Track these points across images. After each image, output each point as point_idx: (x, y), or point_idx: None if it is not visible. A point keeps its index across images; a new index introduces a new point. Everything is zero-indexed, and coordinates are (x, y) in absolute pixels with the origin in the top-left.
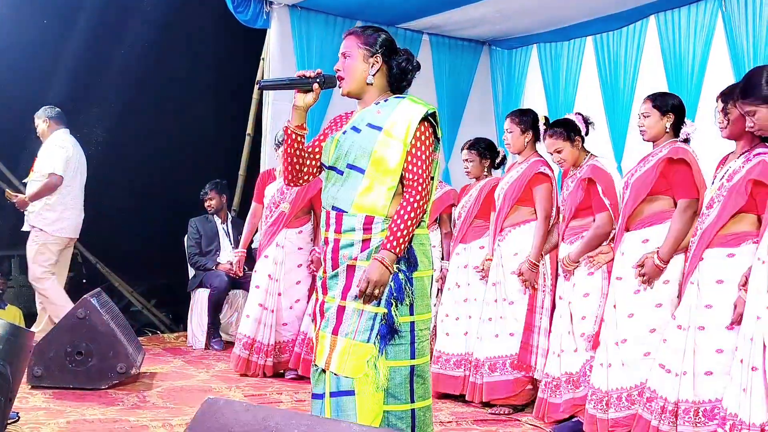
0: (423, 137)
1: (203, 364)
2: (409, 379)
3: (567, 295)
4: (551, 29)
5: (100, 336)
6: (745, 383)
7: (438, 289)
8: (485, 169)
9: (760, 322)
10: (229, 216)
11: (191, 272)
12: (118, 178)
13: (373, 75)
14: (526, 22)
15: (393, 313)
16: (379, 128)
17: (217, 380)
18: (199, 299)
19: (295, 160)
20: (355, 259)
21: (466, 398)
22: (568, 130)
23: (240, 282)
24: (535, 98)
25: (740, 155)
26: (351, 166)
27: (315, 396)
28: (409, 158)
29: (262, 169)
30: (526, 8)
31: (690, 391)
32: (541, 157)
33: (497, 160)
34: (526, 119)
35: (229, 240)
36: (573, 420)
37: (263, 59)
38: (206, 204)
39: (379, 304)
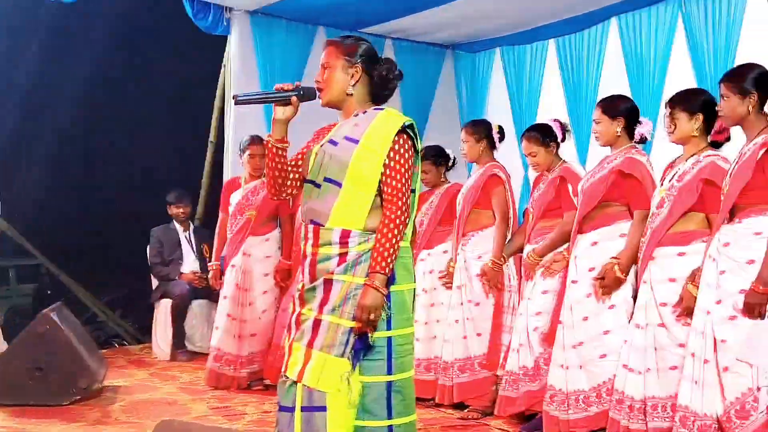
0: (402, 150)
1: (168, 375)
2: (386, 395)
3: (528, 292)
4: (514, 32)
5: (60, 351)
6: (697, 376)
7: None
8: (441, 176)
9: (711, 316)
10: (191, 225)
11: (154, 282)
12: (77, 189)
13: (353, 85)
14: (489, 25)
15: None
16: (356, 141)
17: (182, 392)
18: (163, 310)
19: (277, 173)
20: (332, 273)
21: (436, 401)
22: (544, 135)
23: (203, 291)
24: (499, 101)
25: (689, 158)
26: (328, 180)
27: (283, 408)
28: (388, 171)
29: (225, 177)
30: (488, 12)
31: (656, 387)
32: (497, 162)
33: (449, 164)
34: (480, 129)
35: (192, 249)
36: (537, 417)
37: (224, 66)
38: (178, 212)
39: (354, 318)
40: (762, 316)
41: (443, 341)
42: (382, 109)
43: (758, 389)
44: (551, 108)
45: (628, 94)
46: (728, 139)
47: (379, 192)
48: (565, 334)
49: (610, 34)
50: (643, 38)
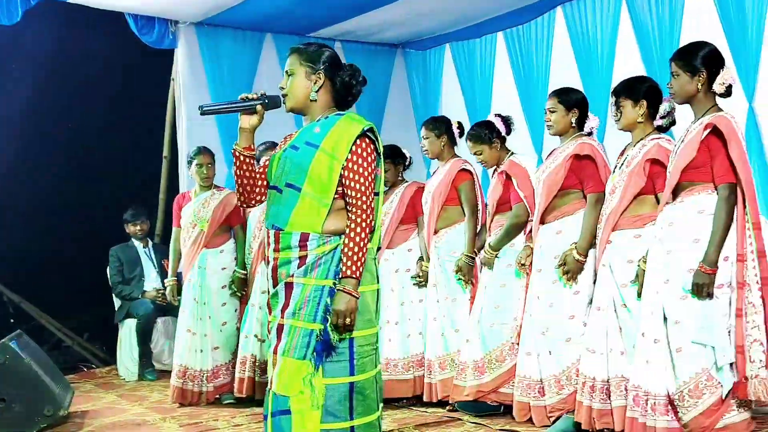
0: (364, 153)
1: (136, 396)
2: (348, 396)
3: (484, 283)
4: (462, 27)
5: (22, 380)
6: (649, 355)
7: None
8: (399, 174)
9: (660, 296)
10: (150, 242)
11: (117, 303)
12: (32, 214)
13: (316, 92)
14: (436, 21)
15: (329, 329)
16: (316, 146)
17: (152, 412)
18: (127, 330)
19: (245, 181)
20: (293, 276)
21: (424, 399)
22: (485, 132)
23: (168, 308)
24: (452, 98)
25: (636, 143)
26: (289, 185)
27: (264, 417)
28: (351, 175)
29: (181, 191)
30: (435, 8)
31: (619, 367)
32: (460, 157)
33: (407, 163)
34: (439, 125)
35: (153, 266)
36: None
37: (173, 79)
38: (135, 229)
39: (315, 320)
40: (710, 296)
41: (422, 339)
42: (342, 114)
43: (717, 368)
44: (504, 101)
45: (578, 81)
46: (673, 123)
47: (341, 196)
48: (534, 321)
49: (556, 23)
50: (589, 25)
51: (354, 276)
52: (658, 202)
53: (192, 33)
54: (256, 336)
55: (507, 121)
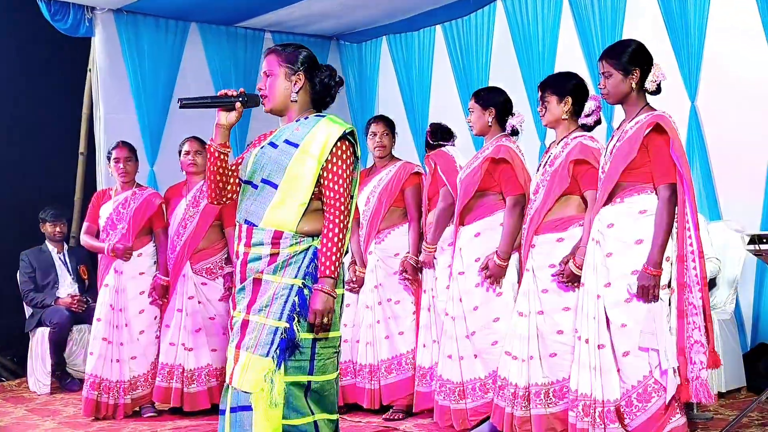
0: (344, 156)
1: (49, 410)
2: (305, 394)
3: (428, 285)
4: (400, 19)
5: None
6: (594, 362)
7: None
8: None
9: (602, 300)
10: (66, 245)
11: (28, 311)
12: None
13: (297, 92)
14: (372, 13)
15: (294, 327)
16: (296, 145)
17: (65, 427)
18: (39, 339)
19: (218, 178)
20: (262, 272)
21: (365, 407)
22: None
23: (83, 316)
24: (389, 92)
25: (559, 141)
26: (265, 181)
27: (221, 412)
28: (331, 176)
29: (98, 190)
30: None
31: (539, 374)
32: (401, 159)
33: None
34: (393, 125)
35: (68, 271)
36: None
37: (90, 70)
38: (55, 230)
39: (281, 319)
40: (656, 298)
41: (365, 344)
42: (323, 116)
43: (662, 372)
44: (444, 96)
45: (519, 76)
46: (598, 122)
47: (317, 197)
48: (456, 325)
49: (497, 16)
50: (530, 19)
51: (332, 276)
52: (583, 202)
53: (110, 20)
54: (183, 345)
55: (439, 131)
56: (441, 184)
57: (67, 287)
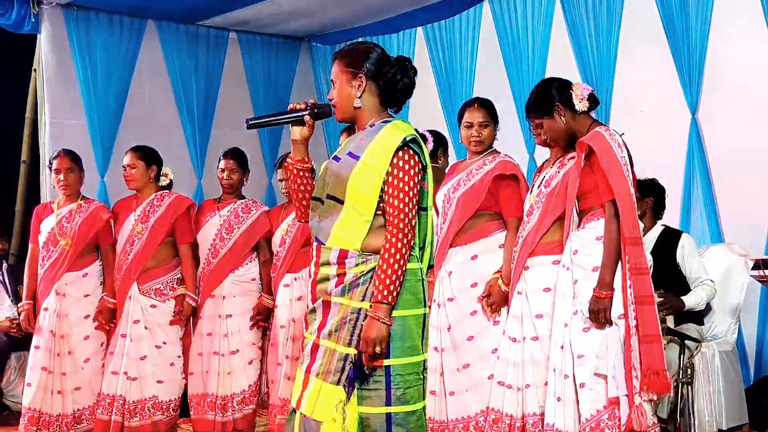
0: (406, 166)
1: None
2: (386, 427)
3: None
4: (377, 20)
5: None
6: (559, 392)
7: (265, 327)
8: None
9: (568, 329)
10: (5, 264)
11: None
12: None
13: (359, 97)
14: (347, 13)
15: (363, 356)
16: (357, 157)
17: None
18: None
19: (300, 195)
20: (330, 294)
21: None
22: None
23: (24, 342)
24: None
25: (554, 162)
26: (330, 197)
27: None
28: (390, 190)
29: (42, 202)
30: None
31: (536, 404)
32: None
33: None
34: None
35: (7, 292)
36: None
37: (35, 70)
38: None
39: (350, 345)
40: (609, 323)
41: None
42: (389, 121)
43: (610, 402)
44: (424, 102)
45: (506, 83)
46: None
47: (383, 212)
48: (444, 358)
49: (483, 19)
50: (519, 22)
51: (386, 301)
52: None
53: (59, 16)
54: (126, 374)
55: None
56: None
57: (5, 310)
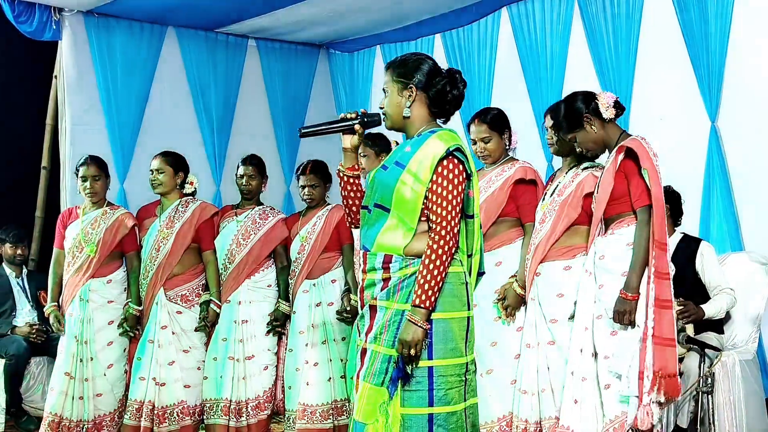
0: (450, 175)
1: None
2: (428, 428)
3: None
4: (395, 28)
5: None
6: (578, 395)
7: (281, 333)
8: (326, 195)
9: (589, 332)
10: (25, 269)
11: None
12: None
13: (409, 107)
14: (365, 20)
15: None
16: (403, 166)
17: None
18: None
19: (350, 201)
20: (376, 299)
21: None
22: None
23: (43, 347)
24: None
25: (568, 171)
26: (377, 205)
27: None
28: (435, 198)
29: (63, 208)
30: (361, 5)
31: (552, 408)
32: None
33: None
34: (380, 143)
35: (27, 297)
36: None
37: (56, 76)
38: (15, 252)
39: (393, 346)
40: (632, 324)
41: (348, 383)
42: (435, 131)
43: (622, 398)
44: None
45: (524, 90)
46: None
47: (427, 218)
48: None
49: (501, 25)
50: (537, 29)
51: (423, 306)
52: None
53: (79, 23)
54: (154, 379)
55: None
56: None
57: (25, 315)
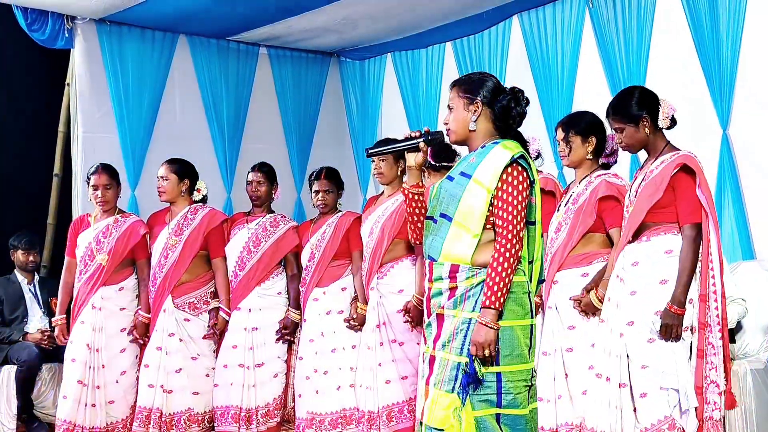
0: (515, 181)
1: None
2: (498, 427)
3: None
4: (406, 36)
5: None
6: (615, 401)
7: (290, 341)
8: (337, 202)
9: (625, 339)
10: (36, 276)
11: None
12: None
13: (475, 121)
14: (376, 28)
15: (475, 362)
16: (469, 176)
17: None
18: (5, 378)
19: (415, 218)
20: (443, 307)
21: None
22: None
23: (54, 353)
24: (393, 113)
25: (581, 180)
26: (443, 215)
27: None
28: (501, 204)
29: (74, 216)
30: (373, 14)
31: (570, 413)
32: None
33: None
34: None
35: (39, 304)
36: None
37: (68, 84)
38: (27, 259)
39: (461, 354)
40: (678, 338)
41: (365, 389)
42: (498, 142)
43: (683, 413)
44: None
45: (535, 99)
46: (616, 161)
47: (492, 227)
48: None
49: (512, 34)
50: (548, 38)
51: (493, 306)
52: (608, 238)
53: (92, 31)
54: (162, 387)
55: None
56: None
57: (37, 322)
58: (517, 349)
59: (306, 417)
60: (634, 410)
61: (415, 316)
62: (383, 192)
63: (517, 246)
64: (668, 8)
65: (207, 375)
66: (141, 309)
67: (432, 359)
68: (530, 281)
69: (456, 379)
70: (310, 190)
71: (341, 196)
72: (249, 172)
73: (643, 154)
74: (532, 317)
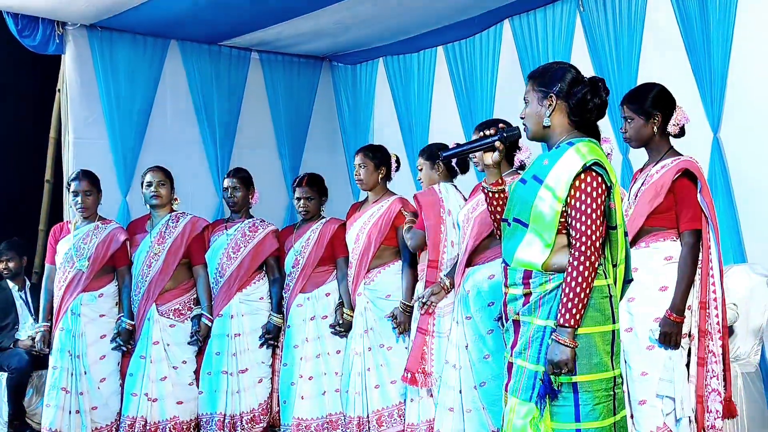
0: (589, 188)
1: None
2: None
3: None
4: (397, 40)
5: None
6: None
7: (273, 346)
8: (320, 208)
9: (623, 345)
10: (27, 282)
11: None
12: None
13: (549, 116)
14: (367, 33)
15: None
16: (541, 181)
17: None
18: None
19: (497, 216)
20: (519, 314)
21: None
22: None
23: (46, 361)
24: (386, 117)
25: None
26: (516, 219)
27: None
28: (573, 213)
29: (65, 220)
30: (364, 18)
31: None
32: (396, 194)
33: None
34: (379, 155)
35: (29, 310)
36: None
37: (59, 90)
38: (9, 266)
39: (538, 362)
40: (677, 345)
41: (354, 394)
42: (573, 143)
43: (676, 421)
44: (444, 120)
45: None
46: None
47: (566, 232)
48: (462, 375)
49: (503, 38)
50: (539, 41)
51: (567, 324)
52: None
53: (83, 37)
54: (146, 395)
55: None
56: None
57: (27, 328)
58: (595, 357)
59: (293, 423)
60: (631, 417)
61: (402, 321)
62: (367, 198)
63: (593, 258)
64: (659, 12)
65: (191, 383)
66: (124, 316)
67: (510, 366)
68: (615, 284)
69: (533, 389)
70: (292, 196)
71: (324, 202)
72: (224, 179)
73: (638, 155)
74: (614, 322)
